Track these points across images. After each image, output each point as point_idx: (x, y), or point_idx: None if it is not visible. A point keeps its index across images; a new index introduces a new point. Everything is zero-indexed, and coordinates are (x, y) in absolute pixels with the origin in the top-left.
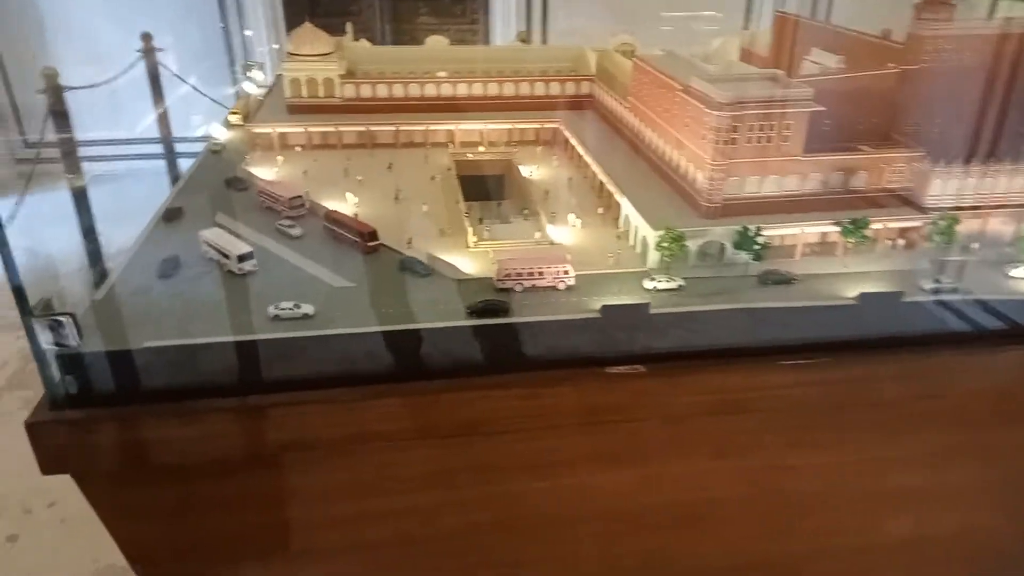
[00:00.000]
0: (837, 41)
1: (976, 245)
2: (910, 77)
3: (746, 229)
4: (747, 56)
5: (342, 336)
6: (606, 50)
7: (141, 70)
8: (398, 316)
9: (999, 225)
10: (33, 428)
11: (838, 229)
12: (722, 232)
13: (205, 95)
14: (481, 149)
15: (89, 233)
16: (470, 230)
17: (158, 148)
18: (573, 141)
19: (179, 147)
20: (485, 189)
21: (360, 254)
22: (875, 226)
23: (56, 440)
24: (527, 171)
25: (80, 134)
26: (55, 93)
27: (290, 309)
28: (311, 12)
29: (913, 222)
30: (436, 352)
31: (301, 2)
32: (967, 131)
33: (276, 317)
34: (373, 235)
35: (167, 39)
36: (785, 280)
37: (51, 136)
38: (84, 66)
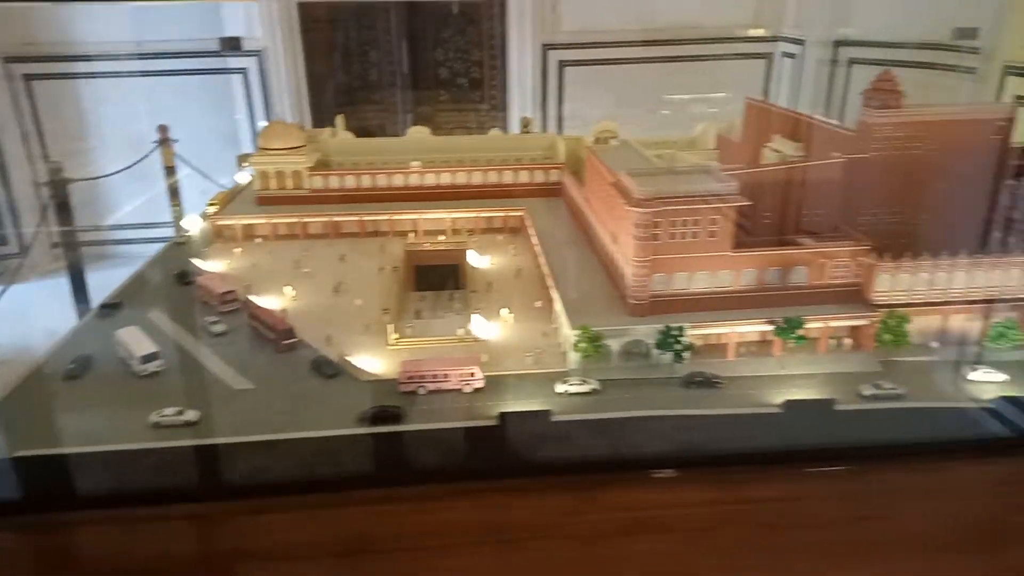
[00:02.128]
0: (797, 128)
1: (935, 344)
2: (858, 166)
3: (668, 328)
4: (723, 142)
5: (217, 446)
6: (578, 138)
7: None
8: (285, 423)
9: (962, 323)
10: None
11: (771, 328)
12: (645, 331)
13: (211, 182)
14: (441, 238)
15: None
16: (390, 327)
17: (157, 233)
18: (531, 231)
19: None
20: (440, 279)
21: (275, 352)
22: (815, 325)
23: None
24: (480, 261)
25: (85, 221)
26: (56, 186)
27: (172, 416)
28: (337, 102)
29: (858, 320)
30: (320, 463)
31: (329, 93)
32: (917, 222)
33: (157, 424)
34: (289, 333)
35: (194, 129)
36: (709, 383)
37: (32, 228)
38: (116, 152)
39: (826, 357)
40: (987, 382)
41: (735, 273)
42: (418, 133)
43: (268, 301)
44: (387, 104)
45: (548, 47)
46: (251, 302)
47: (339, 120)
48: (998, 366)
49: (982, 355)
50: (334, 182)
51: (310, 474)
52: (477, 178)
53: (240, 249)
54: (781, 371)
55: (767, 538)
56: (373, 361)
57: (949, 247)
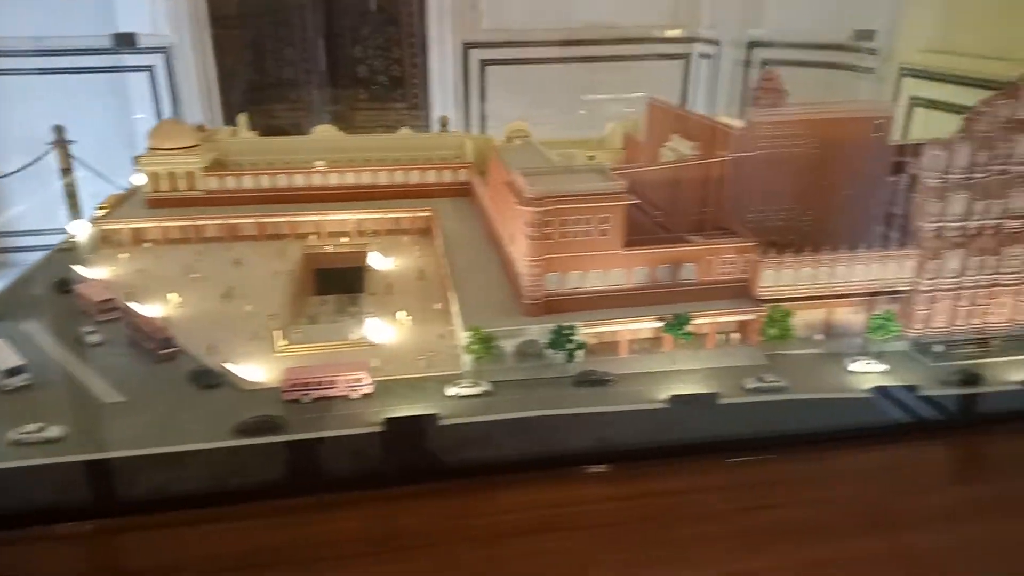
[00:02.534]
0: (693, 128)
1: (819, 337)
2: (745, 164)
3: (559, 328)
4: (629, 142)
5: (80, 463)
6: (488, 138)
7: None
8: (156, 438)
9: (846, 315)
10: None
11: (660, 325)
12: (538, 331)
13: (108, 183)
14: (344, 241)
15: None
16: (278, 334)
17: (48, 239)
18: (436, 232)
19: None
20: (342, 282)
21: (153, 363)
22: (703, 320)
23: None
24: (383, 264)
25: None
26: None
27: (34, 433)
28: (250, 101)
29: (744, 315)
30: (196, 477)
31: (241, 91)
32: (803, 218)
33: (17, 442)
34: (167, 342)
35: (96, 129)
36: (600, 381)
37: None
38: (10, 153)
39: (715, 352)
40: (867, 372)
41: (627, 271)
42: (325, 132)
43: (150, 309)
44: (304, 103)
45: (469, 46)
46: (130, 310)
47: (241, 119)
48: (878, 357)
49: (863, 346)
50: (230, 183)
51: (184, 490)
52: (383, 178)
53: (127, 254)
54: (671, 367)
55: (663, 531)
56: (258, 370)
57: (834, 242)
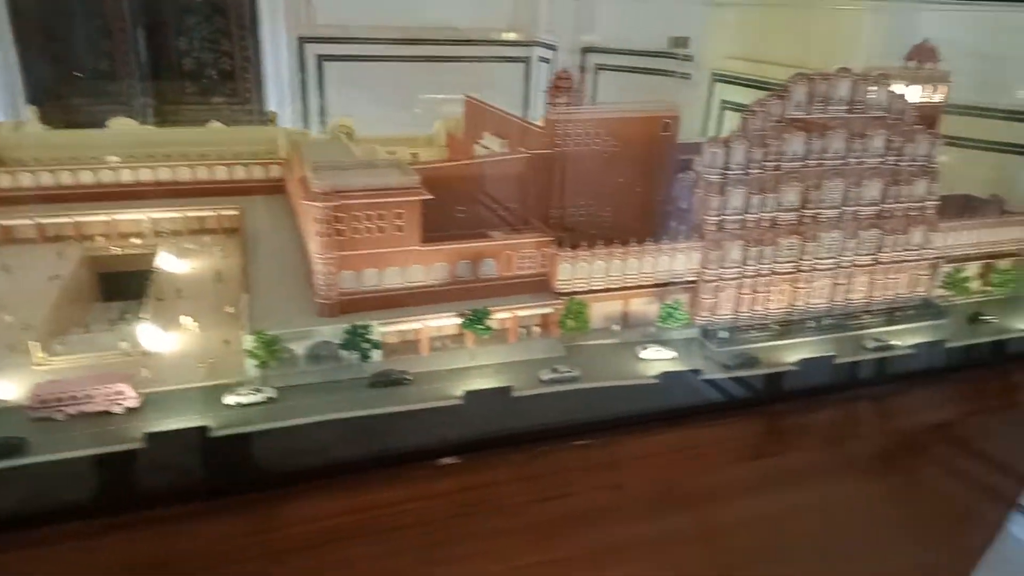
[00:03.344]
0: (504, 126)
1: (616, 327)
2: (545, 161)
3: (353, 327)
4: (451, 139)
5: None
6: (304, 132)
7: None
8: None
9: (641, 306)
10: None
11: (459, 321)
12: (332, 332)
13: None
14: (137, 242)
15: None
16: (35, 346)
17: None
18: (241, 231)
19: None
20: (130, 286)
21: None
22: (502, 315)
23: None
24: (177, 266)
25: None
26: None
27: None
28: (57, 94)
29: (542, 308)
30: None
31: (50, 82)
32: (601, 213)
33: None
34: None
35: None
36: (396, 381)
37: None
38: None
39: (516, 346)
40: (656, 359)
41: (426, 268)
42: (122, 125)
43: None
44: (124, 97)
45: (304, 40)
46: None
47: (31, 112)
48: (667, 344)
49: (655, 334)
50: (5, 181)
51: None
52: (186, 174)
53: None
54: (471, 363)
55: (462, 528)
56: (9, 386)
57: (630, 236)
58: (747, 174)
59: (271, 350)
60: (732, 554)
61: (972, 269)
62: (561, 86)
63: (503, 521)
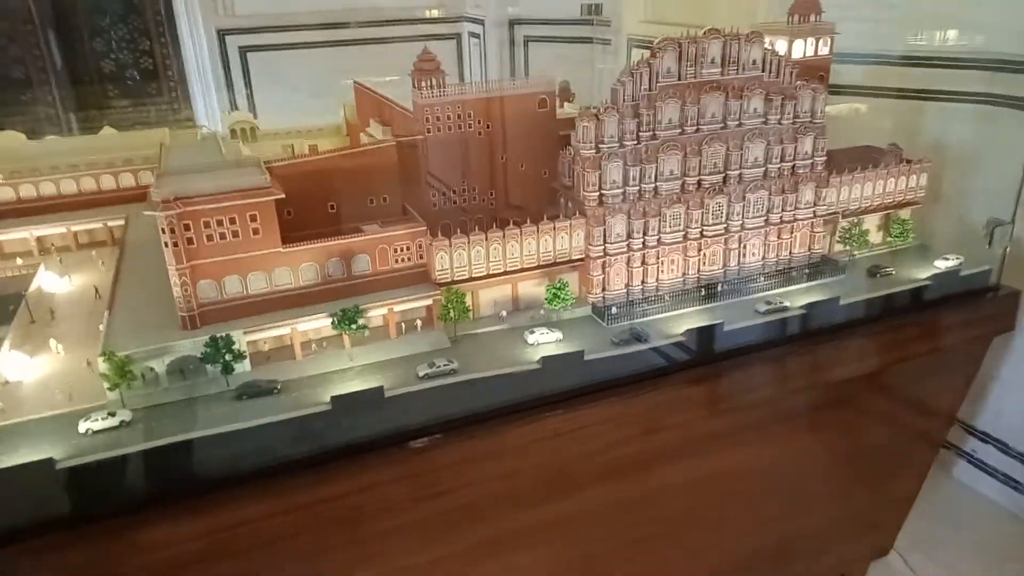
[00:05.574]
0: (387, 113)
1: (504, 313)
2: (417, 147)
3: (212, 339)
4: (350, 127)
5: None
6: (194, 132)
7: None
8: None
9: (532, 289)
10: None
11: (330, 322)
12: (193, 345)
13: None
14: (19, 262)
15: None
16: None
17: None
18: (120, 242)
19: None
20: (4, 311)
21: None
22: (378, 311)
23: None
24: (58, 284)
25: None
26: None
27: None
28: None
29: (418, 301)
30: None
31: None
32: (485, 197)
33: None
34: None
35: None
36: (264, 391)
37: None
38: None
39: (398, 342)
40: (543, 343)
41: (293, 270)
42: (8, 139)
43: None
44: (41, 104)
45: (224, 32)
46: None
47: None
48: (556, 325)
49: (545, 317)
50: None
51: None
52: (69, 187)
53: None
54: (350, 364)
55: (348, 533)
56: None
57: (520, 216)
58: (622, 146)
59: (122, 371)
60: (649, 524)
61: (872, 222)
62: (425, 68)
63: (389, 522)
